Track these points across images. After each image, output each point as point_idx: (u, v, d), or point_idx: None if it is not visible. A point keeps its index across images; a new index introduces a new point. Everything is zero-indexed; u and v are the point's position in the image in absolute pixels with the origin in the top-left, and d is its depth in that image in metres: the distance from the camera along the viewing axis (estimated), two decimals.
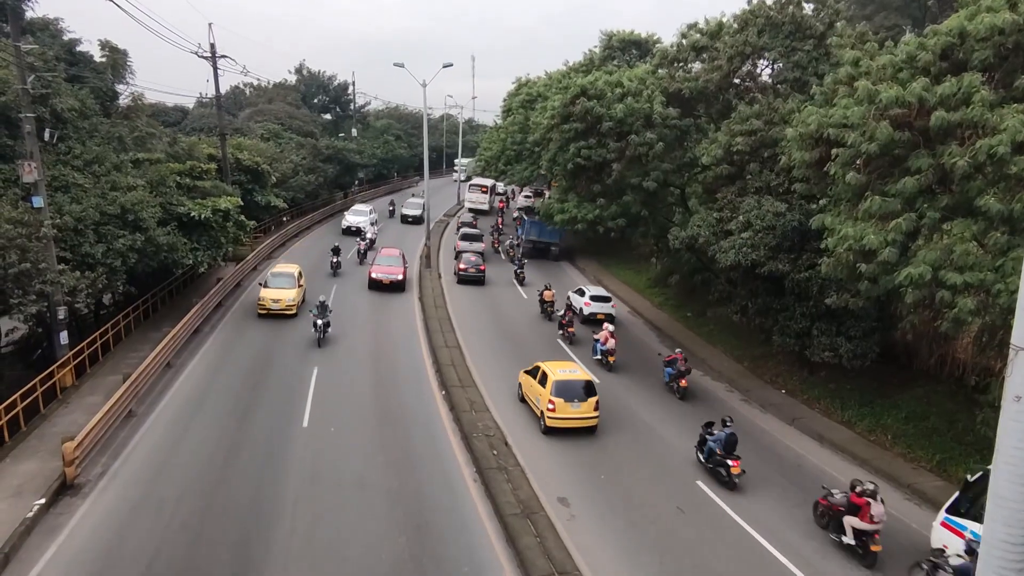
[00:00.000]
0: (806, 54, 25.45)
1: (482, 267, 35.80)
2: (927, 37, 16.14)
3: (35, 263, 17.77)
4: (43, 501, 13.66)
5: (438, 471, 16.27)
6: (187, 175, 28.98)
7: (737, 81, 27.87)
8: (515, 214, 54.65)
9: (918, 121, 14.99)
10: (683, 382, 21.86)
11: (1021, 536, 5.82)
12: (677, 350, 23.32)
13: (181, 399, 19.57)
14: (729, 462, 16.13)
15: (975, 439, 16.73)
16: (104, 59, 29.62)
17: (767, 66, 27.96)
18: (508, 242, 45.39)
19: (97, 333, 22.42)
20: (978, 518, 12.27)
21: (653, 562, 13.24)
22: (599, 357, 24.45)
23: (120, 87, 30.58)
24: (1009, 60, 15.05)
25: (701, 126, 30.32)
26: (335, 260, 35.67)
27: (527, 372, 20.59)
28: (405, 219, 54.54)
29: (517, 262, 37.67)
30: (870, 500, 13.38)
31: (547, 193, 48.68)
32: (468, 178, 69.82)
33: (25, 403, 16.99)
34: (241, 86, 75.27)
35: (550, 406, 18.29)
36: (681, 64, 29.96)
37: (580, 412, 18.37)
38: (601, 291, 31.49)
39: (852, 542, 13.62)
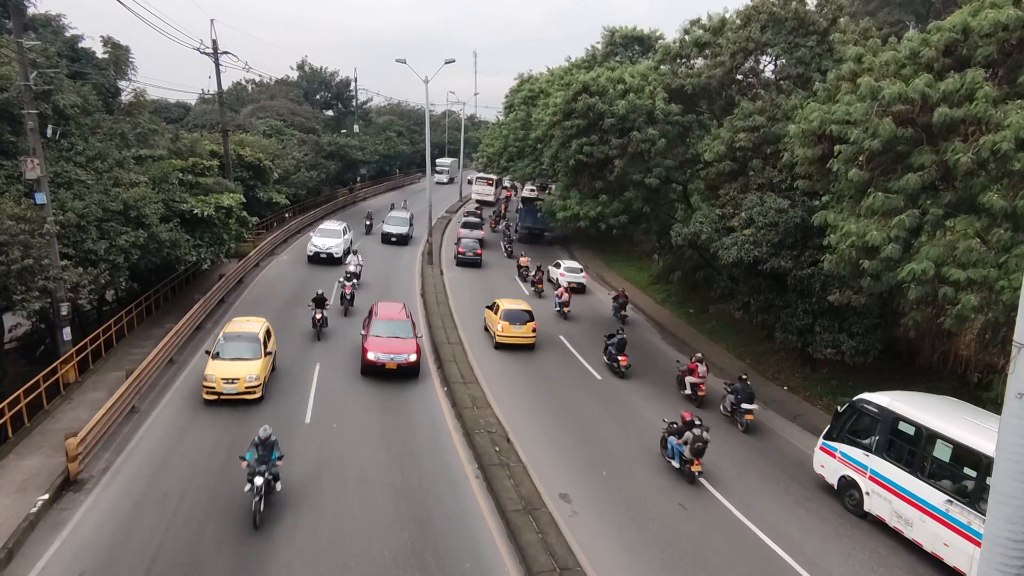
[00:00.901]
0: (809, 50, 25.36)
1: (479, 251, 39.83)
2: (930, 33, 16.10)
3: (38, 259, 17.80)
4: (46, 497, 13.70)
5: (440, 467, 16.30)
6: (189, 171, 29.00)
7: (740, 77, 27.79)
8: (519, 204, 58.10)
9: (921, 117, 14.96)
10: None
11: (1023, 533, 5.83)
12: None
13: (184, 395, 19.60)
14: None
15: None
16: (106, 55, 29.60)
17: (770, 62, 27.88)
18: (503, 224, 51.90)
19: (100, 329, 22.46)
20: (845, 441, 15.73)
21: (655, 558, 13.26)
22: (557, 309, 30.48)
23: (122, 83, 30.61)
24: (1013, 56, 15.01)
25: (704, 122, 30.26)
26: (319, 316, 24.66)
27: (488, 307, 27.23)
28: (387, 239, 43.96)
29: (505, 239, 45.07)
30: (698, 364, 21.33)
31: (552, 187, 49.48)
32: (451, 180, 68.72)
33: (28, 399, 17.04)
34: (243, 82, 75.42)
35: (499, 327, 24.89)
36: (684, 60, 29.89)
37: (522, 332, 24.88)
38: (574, 264, 36.98)
39: (690, 392, 21.25)
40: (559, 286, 32.64)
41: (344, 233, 39.04)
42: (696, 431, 15.78)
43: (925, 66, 15.66)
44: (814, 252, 20.21)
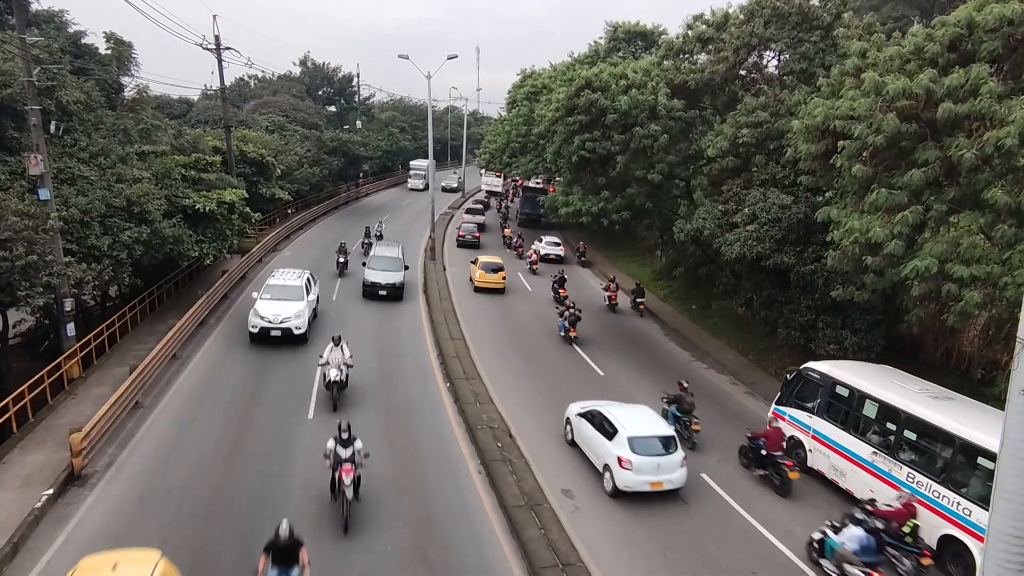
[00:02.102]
0: (813, 45, 25.27)
1: (477, 235, 45.60)
2: (935, 28, 16.03)
3: (42, 255, 17.82)
4: (51, 491, 13.75)
5: (443, 462, 16.33)
6: (192, 167, 29.01)
7: (743, 73, 27.69)
8: (521, 193, 63.81)
9: (925, 113, 14.90)
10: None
11: None
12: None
13: (187, 390, 19.66)
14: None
15: None
16: (109, 51, 29.61)
17: (773, 57, 27.78)
18: (504, 204, 60.99)
19: (104, 325, 22.51)
20: (792, 405, 17.43)
21: (657, 554, 13.28)
22: (528, 267, 38.99)
23: (125, 79, 30.64)
24: (1018, 51, 14.93)
25: (706, 118, 30.19)
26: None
27: (472, 262, 35.26)
28: (372, 292, 29.85)
29: (501, 218, 55.13)
30: (611, 284, 30.98)
31: (558, 178, 50.70)
32: (426, 187, 63.07)
33: (33, 394, 17.10)
34: (246, 78, 75.41)
35: (477, 275, 33.34)
36: (687, 56, 29.78)
37: (494, 279, 33.03)
38: (553, 239, 43.38)
39: (607, 302, 30.57)
40: (538, 254, 40.28)
41: (307, 289, 24.84)
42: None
43: (929, 61, 15.60)
44: (817, 248, 20.17)
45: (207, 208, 26.86)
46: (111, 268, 21.29)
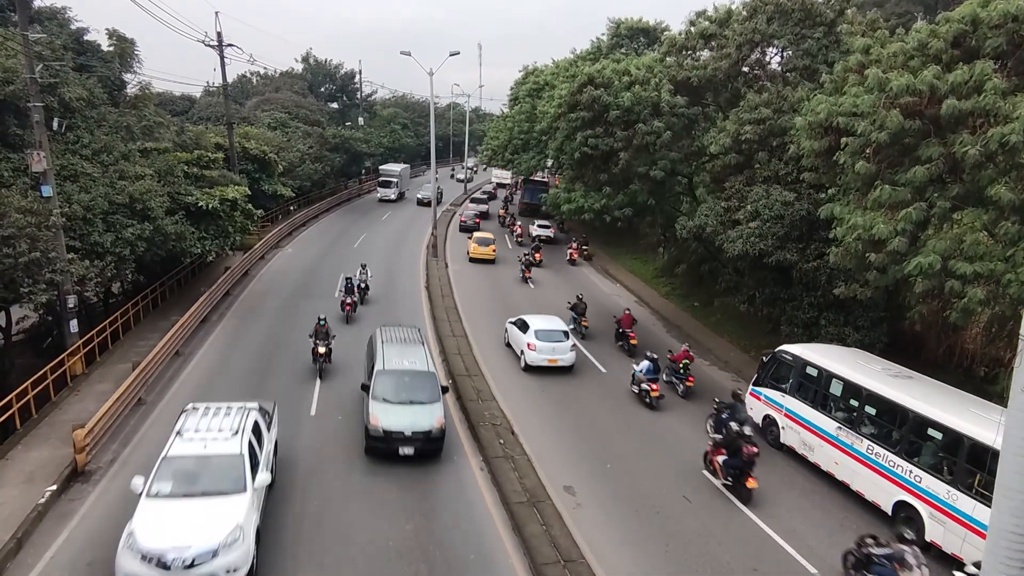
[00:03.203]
0: (816, 42, 25.18)
1: (477, 220, 50.11)
2: (939, 24, 15.96)
3: (45, 252, 17.86)
4: (54, 487, 13.81)
5: (444, 458, 16.32)
6: (195, 164, 29.05)
7: (746, 69, 27.62)
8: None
9: (929, 109, 14.84)
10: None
11: None
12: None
13: (190, 387, 19.70)
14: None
15: None
16: (111, 48, 29.63)
17: (776, 54, 27.71)
18: (510, 193, 65.49)
19: (107, 322, 22.56)
20: (768, 386, 18.45)
21: (658, 551, 13.29)
22: (514, 239, 45.78)
23: (128, 76, 30.62)
24: (1022, 48, 14.86)
25: (709, 115, 30.11)
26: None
27: (468, 238, 41.49)
28: (388, 446, 15.59)
29: (504, 203, 59.37)
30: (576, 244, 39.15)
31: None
32: (402, 195, 61.52)
33: (36, 391, 17.15)
34: (248, 75, 75.27)
35: (471, 248, 38.95)
36: (689, 52, 29.71)
37: (485, 251, 38.70)
38: (545, 222, 47.30)
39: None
40: (531, 235, 45.26)
41: (251, 458, 12.24)
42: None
43: (933, 58, 15.53)
44: (820, 245, 20.13)
45: (209, 205, 26.89)
46: (114, 265, 21.33)
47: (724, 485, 15.57)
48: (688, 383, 21.07)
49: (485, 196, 65.20)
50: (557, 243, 45.51)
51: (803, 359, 17.35)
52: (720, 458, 15.52)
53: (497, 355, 23.90)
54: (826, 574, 12.85)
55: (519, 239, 45.57)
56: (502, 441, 17.01)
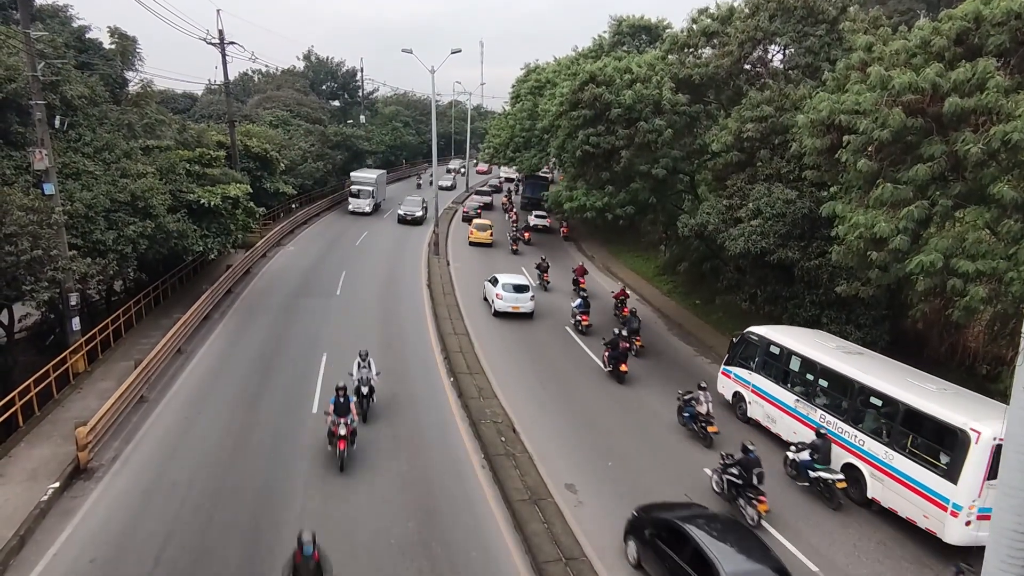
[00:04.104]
0: (818, 39, 25.13)
1: (479, 210, 53.37)
2: (942, 22, 15.90)
3: (47, 250, 17.90)
4: (57, 485, 13.85)
5: (447, 457, 16.36)
6: (196, 162, 29.05)
7: (748, 67, 27.58)
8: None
9: (931, 107, 14.80)
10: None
11: None
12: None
13: (192, 385, 19.74)
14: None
15: None
16: (113, 46, 29.64)
17: (778, 51, 27.65)
18: (515, 184, 70.29)
19: (109, 319, 22.60)
20: (737, 365, 19.68)
21: None
22: (510, 226, 46.68)
23: (129, 74, 30.62)
24: None
25: (711, 112, 30.06)
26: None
27: (469, 225, 45.90)
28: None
29: (506, 194, 63.81)
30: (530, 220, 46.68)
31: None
32: (377, 206, 52.77)
33: (38, 388, 17.19)
34: (250, 72, 75.33)
35: (471, 233, 43.15)
36: (691, 50, 29.67)
37: (483, 236, 42.66)
38: (541, 212, 50.11)
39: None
40: (528, 225, 48.28)
41: None
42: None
43: (936, 55, 15.48)
44: (822, 243, 20.11)
45: (211, 203, 26.90)
46: (116, 263, 21.35)
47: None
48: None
49: (490, 189, 69.65)
50: (551, 232, 49.25)
51: (767, 339, 18.64)
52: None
53: (498, 352, 23.91)
54: (825, 572, 12.86)
55: (514, 224, 47.93)
56: (503, 439, 17.03)
